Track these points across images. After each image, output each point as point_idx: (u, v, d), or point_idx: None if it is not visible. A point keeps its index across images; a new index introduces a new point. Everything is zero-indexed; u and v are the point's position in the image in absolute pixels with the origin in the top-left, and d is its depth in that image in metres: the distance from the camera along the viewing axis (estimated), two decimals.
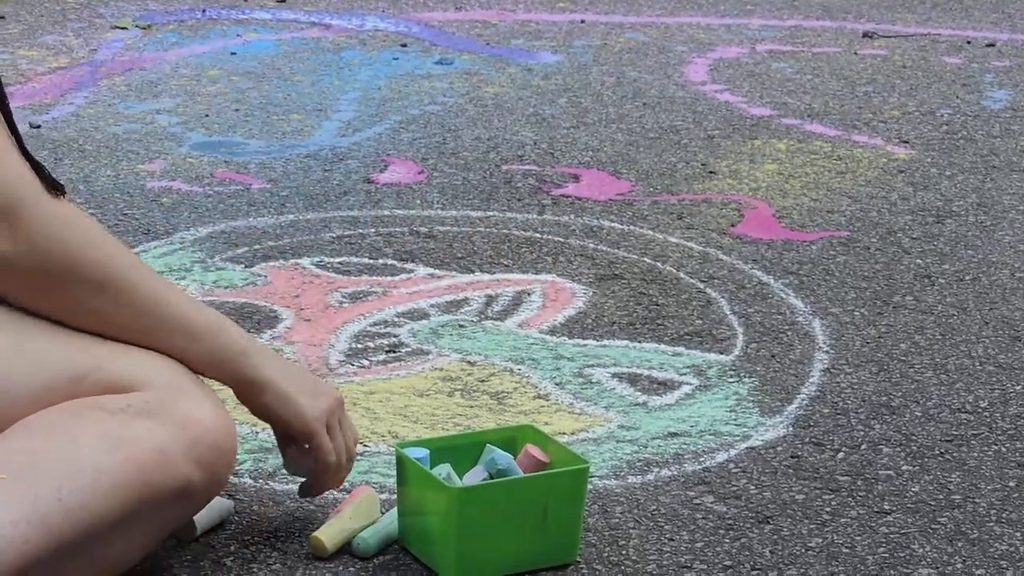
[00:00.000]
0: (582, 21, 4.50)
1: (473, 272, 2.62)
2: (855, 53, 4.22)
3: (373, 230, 2.81)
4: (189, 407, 1.55)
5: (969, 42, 4.35)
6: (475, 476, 1.73)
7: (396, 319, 2.42)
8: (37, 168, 1.56)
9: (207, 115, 3.51)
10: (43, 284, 1.56)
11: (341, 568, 1.70)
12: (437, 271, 2.62)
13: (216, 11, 4.48)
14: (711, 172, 3.18)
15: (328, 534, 1.72)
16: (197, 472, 1.54)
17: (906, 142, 3.42)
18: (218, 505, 1.76)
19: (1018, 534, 1.83)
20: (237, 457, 1.82)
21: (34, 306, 1.59)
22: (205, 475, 1.55)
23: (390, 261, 2.66)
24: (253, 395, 1.66)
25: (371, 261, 2.66)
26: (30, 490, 1.44)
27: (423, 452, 1.72)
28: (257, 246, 2.71)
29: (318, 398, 1.68)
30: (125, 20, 4.35)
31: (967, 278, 2.64)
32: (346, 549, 1.73)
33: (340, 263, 2.64)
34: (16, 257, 1.53)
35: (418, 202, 2.96)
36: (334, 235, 2.78)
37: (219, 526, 1.78)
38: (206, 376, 1.64)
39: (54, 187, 1.56)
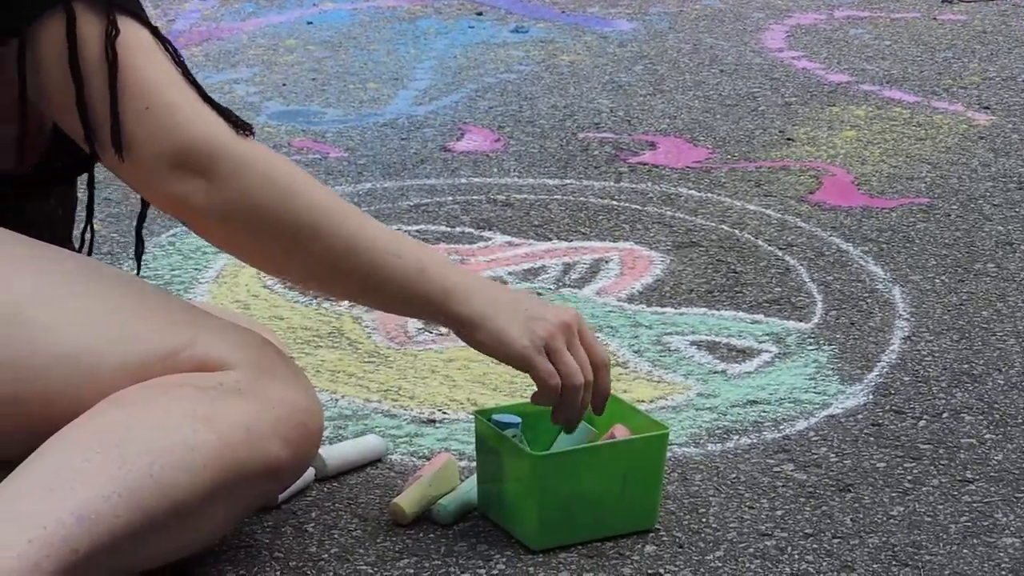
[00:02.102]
0: None
1: (550, 240, 2.62)
2: (934, 18, 4.17)
3: (450, 198, 2.81)
4: (279, 387, 1.54)
5: None
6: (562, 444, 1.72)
7: None
8: (223, 112, 1.55)
9: (284, 84, 3.52)
10: (242, 228, 1.55)
11: (421, 535, 1.71)
12: (514, 239, 2.62)
13: None
14: (789, 139, 3.16)
15: (408, 501, 1.72)
16: (285, 451, 1.54)
17: (987, 108, 3.38)
18: None
19: None
20: None
21: (229, 249, 1.60)
22: (292, 454, 1.54)
23: (467, 229, 2.66)
24: (464, 334, 1.62)
25: (448, 229, 2.66)
26: (123, 465, 1.45)
27: (516, 419, 1.70)
28: None
29: (534, 324, 1.62)
30: None
31: None
32: (426, 516, 1.74)
33: (418, 231, 2.65)
34: (218, 203, 1.52)
35: (495, 170, 2.96)
36: (411, 203, 2.78)
37: (300, 493, 1.79)
38: (415, 318, 1.60)
39: (243, 128, 1.55)
